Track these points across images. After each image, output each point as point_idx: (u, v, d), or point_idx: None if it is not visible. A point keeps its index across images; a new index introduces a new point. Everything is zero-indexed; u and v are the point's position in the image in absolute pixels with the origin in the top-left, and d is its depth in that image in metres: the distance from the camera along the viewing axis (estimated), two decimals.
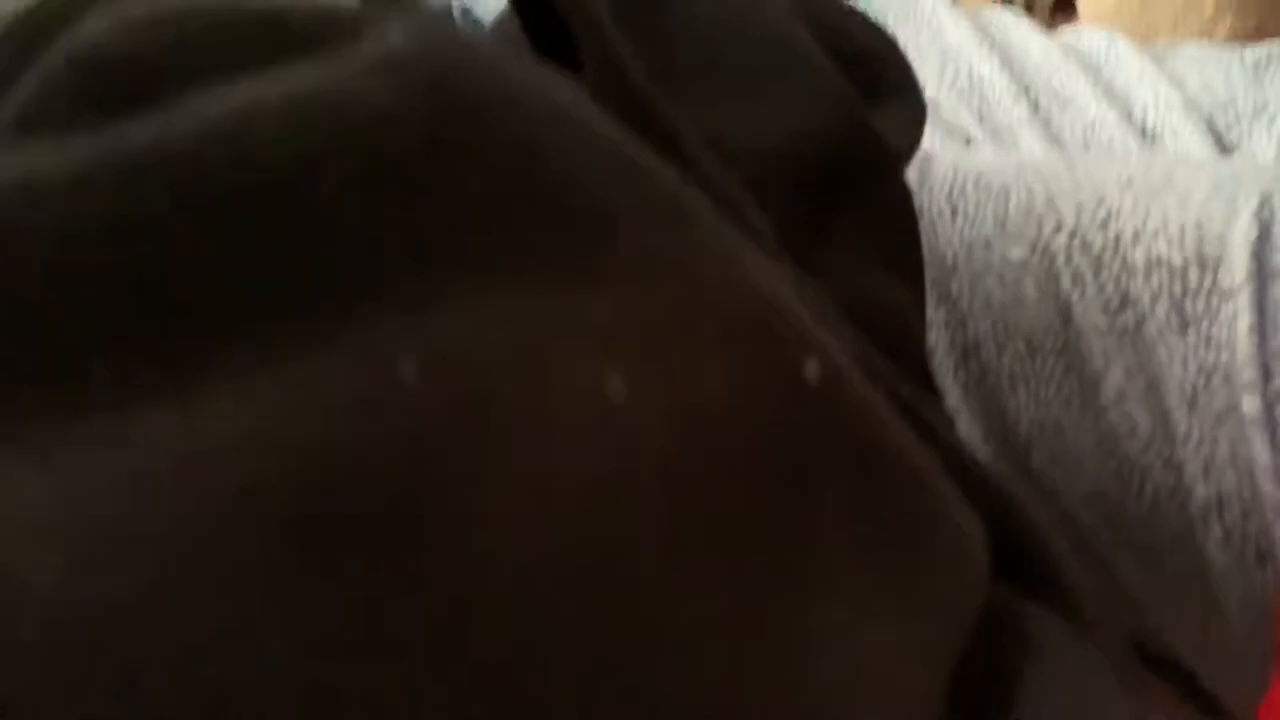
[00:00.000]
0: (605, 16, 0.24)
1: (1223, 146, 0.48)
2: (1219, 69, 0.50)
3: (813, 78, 0.31)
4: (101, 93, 0.14)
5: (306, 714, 0.12)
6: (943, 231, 0.44)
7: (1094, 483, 0.41)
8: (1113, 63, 0.52)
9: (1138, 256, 0.39)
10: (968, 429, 0.43)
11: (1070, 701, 0.21)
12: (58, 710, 0.11)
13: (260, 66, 0.15)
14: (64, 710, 0.11)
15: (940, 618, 0.19)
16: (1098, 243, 0.40)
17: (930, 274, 0.44)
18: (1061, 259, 0.41)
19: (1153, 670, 0.45)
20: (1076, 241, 0.40)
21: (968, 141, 0.54)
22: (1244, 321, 0.37)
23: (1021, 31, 0.56)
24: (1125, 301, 0.39)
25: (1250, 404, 0.36)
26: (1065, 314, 0.40)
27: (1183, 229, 0.38)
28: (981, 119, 0.54)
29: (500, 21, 0.34)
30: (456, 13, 0.55)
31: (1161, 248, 0.38)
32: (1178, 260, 0.38)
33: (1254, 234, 0.37)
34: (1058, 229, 0.41)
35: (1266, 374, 0.36)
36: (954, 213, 0.44)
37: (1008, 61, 0.54)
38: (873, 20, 0.39)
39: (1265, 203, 0.38)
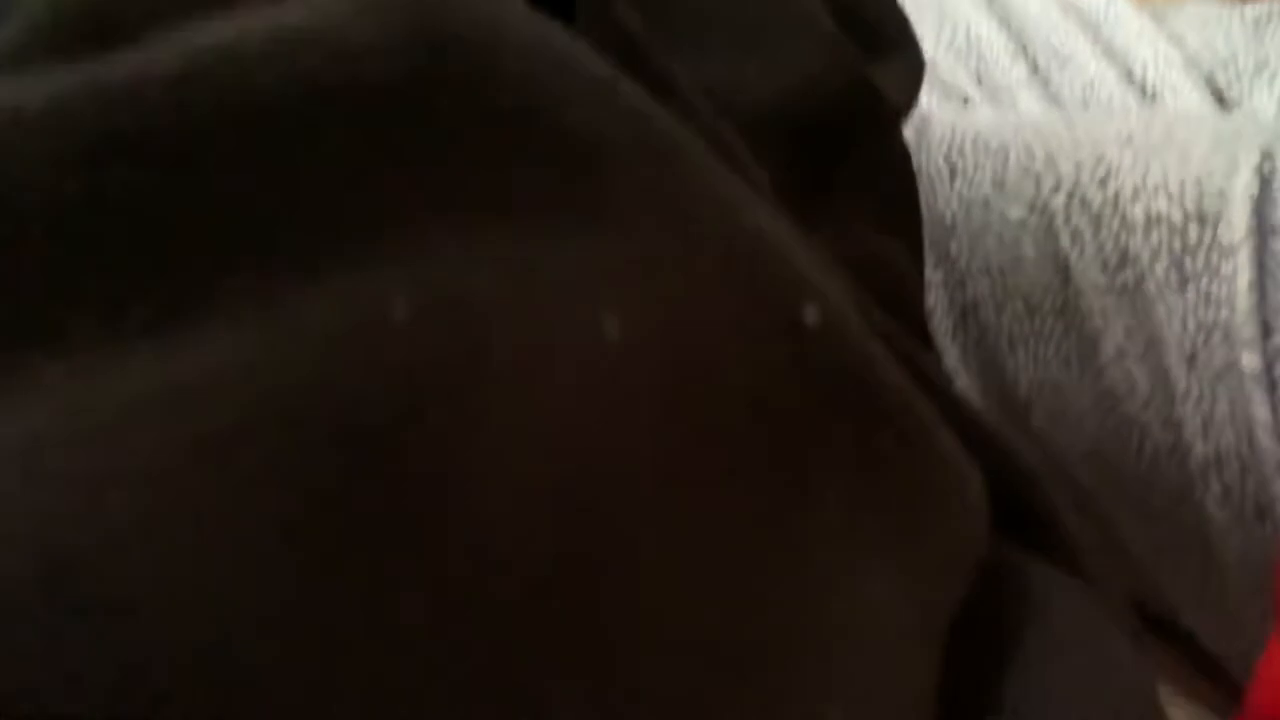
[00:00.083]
0: None
1: (1223, 104, 0.48)
2: (1219, 26, 0.49)
3: (811, 32, 0.31)
4: (81, 31, 0.14)
5: (300, 657, 0.11)
6: (941, 192, 0.44)
7: (1093, 441, 0.41)
8: (1112, 21, 0.51)
9: (1137, 213, 0.38)
10: (966, 389, 0.43)
11: (1075, 655, 0.21)
12: (43, 653, 0.11)
13: (244, 6, 0.14)
14: (50, 654, 0.11)
15: (940, 566, 0.19)
16: (1097, 200, 0.40)
17: (929, 235, 0.44)
18: (1060, 218, 0.40)
19: (1151, 629, 0.45)
20: (1075, 200, 0.40)
21: (965, 102, 0.54)
22: (1244, 277, 0.36)
23: None
24: (1124, 259, 0.39)
25: (1250, 360, 0.36)
26: (1064, 273, 0.40)
27: (1183, 185, 0.38)
28: (979, 79, 0.54)
29: None
30: None
31: (1161, 204, 0.38)
32: (1178, 217, 0.38)
33: (1254, 189, 0.37)
34: (1056, 187, 0.41)
35: (1266, 330, 0.36)
36: (952, 173, 0.44)
37: (1006, 20, 0.53)
38: None
39: (1266, 158, 0.38)
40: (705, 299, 0.16)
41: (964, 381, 0.43)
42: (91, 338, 0.12)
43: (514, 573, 0.13)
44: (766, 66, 0.29)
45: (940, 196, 0.44)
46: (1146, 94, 0.49)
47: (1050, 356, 0.41)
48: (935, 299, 0.44)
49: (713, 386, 0.15)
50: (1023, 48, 0.52)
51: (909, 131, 0.45)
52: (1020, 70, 0.53)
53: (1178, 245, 0.38)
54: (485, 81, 0.15)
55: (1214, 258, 0.37)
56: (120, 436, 0.12)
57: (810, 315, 0.16)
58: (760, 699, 0.15)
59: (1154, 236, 0.38)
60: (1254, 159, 0.38)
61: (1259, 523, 0.37)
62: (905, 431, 0.19)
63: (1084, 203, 0.40)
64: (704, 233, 0.16)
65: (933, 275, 0.44)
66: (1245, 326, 0.36)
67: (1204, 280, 0.37)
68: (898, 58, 0.36)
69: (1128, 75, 0.50)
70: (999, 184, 0.43)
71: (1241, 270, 0.36)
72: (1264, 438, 0.36)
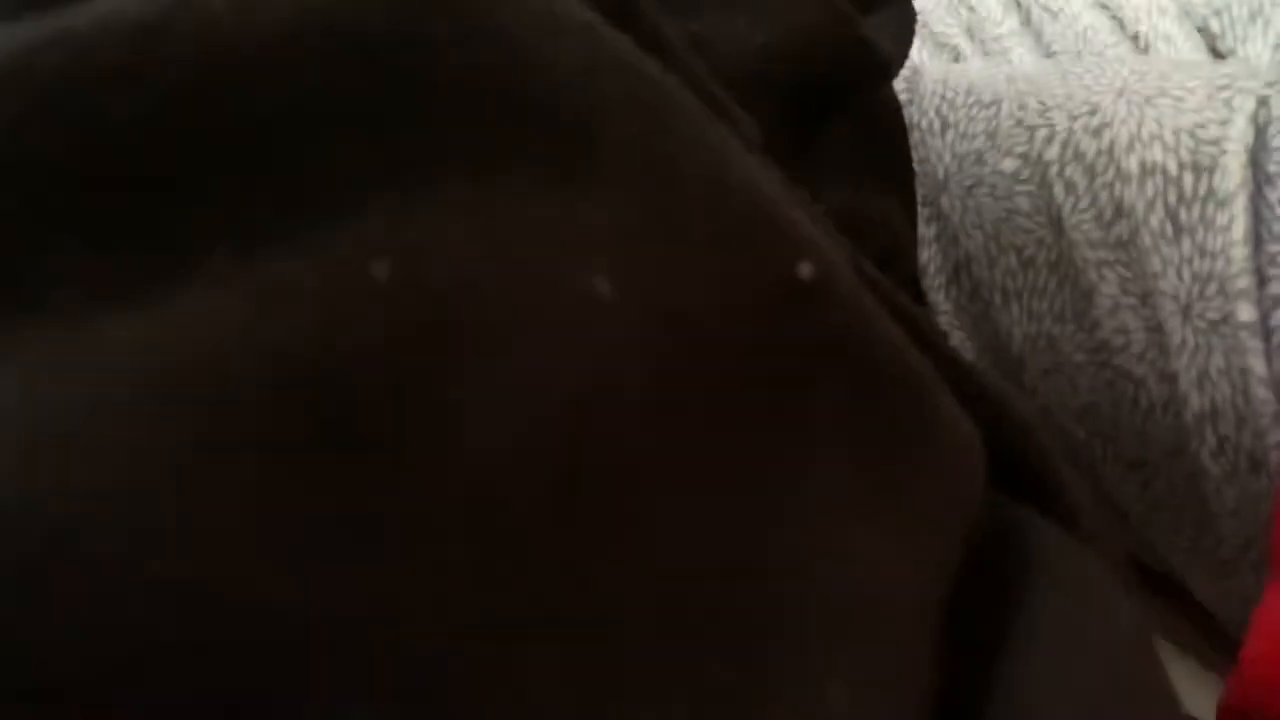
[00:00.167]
0: None
1: (1216, 52, 0.48)
2: None
3: None
4: None
5: (288, 619, 0.11)
6: (933, 146, 0.44)
7: (1088, 396, 0.40)
8: None
9: (1132, 164, 0.38)
10: (960, 345, 0.43)
11: (1073, 611, 0.20)
12: (33, 627, 0.11)
13: None
14: (42, 626, 0.11)
15: (938, 523, 0.19)
16: (1091, 151, 0.39)
17: (921, 190, 0.43)
18: (1054, 169, 0.40)
19: (1146, 583, 0.45)
20: (1069, 151, 0.40)
21: (957, 57, 0.53)
22: (1239, 228, 0.36)
23: None
24: (1119, 211, 0.38)
25: (1245, 311, 0.36)
26: (1058, 225, 0.40)
27: (1178, 135, 0.38)
28: (970, 32, 0.53)
29: None
30: None
31: (1156, 154, 0.38)
32: (1173, 167, 0.37)
33: (1249, 138, 0.37)
34: (1050, 139, 0.40)
35: (1261, 280, 0.36)
36: (944, 126, 0.44)
37: None
38: None
39: (1261, 105, 0.37)
40: (697, 259, 0.15)
41: (958, 338, 0.43)
42: (69, 302, 0.12)
43: (500, 543, 0.13)
44: (756, 19, 0.28)
45: (932, 150, 0.44)
46: (1140, 44, 0.49)
47: (1044, 310, 0.41)
48: (928, 255, 0.43)
49: (704, 344, 0.15)
50: (1015, 0, 0.52)
51: (900, 85, 0.44)
52: (1012, 22, 0.52)
53: (1173, 196, 0.37)
54: (468, 33, 0.14)
55: (1209, 208, 0.37)
56: (97, 402, 0.11)
57: (803, 271, 0.16)
58: (758, 663, 0.15)
59: (1149, 187, 0.38)
60: (1249, 107, 0.37)
61: (1254, 475, 0.37)
62: (900, 387, 0.19)
63: (1078, 154, 0.40)
64: (696, 191, 0.16)
65: (925, 230, 0.43)
66: (1240, 277, 0.36)
67: (1199, 231, 0.37)
68: (889, 11, 0.36)
69: (1120, 25, 0.49)
70: (991, 136, 0.42)
71: (1237, 220, 0.36)
72: (1259, 390, 0.36)
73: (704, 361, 0.15)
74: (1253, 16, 0.47)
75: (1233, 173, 0.36)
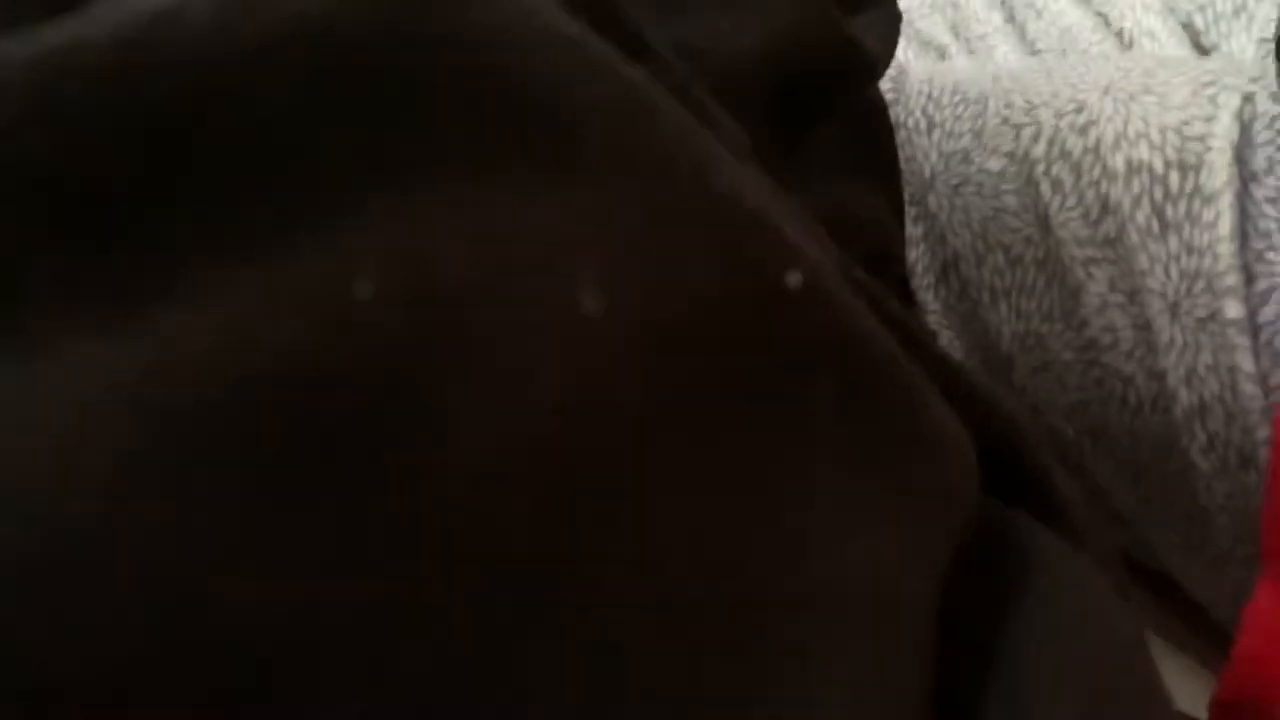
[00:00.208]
0: None
1: (1200, 48, 0.48)
2: None
3: None
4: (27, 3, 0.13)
5: (281, 631, 0.11)
6: (920, 145, 0.44)
7: (1077, 394, 0.41)
8: None
9: (1118, 162, 0.38)
10: (949, 345, 0.43)
11: (1065, 611, 0.20)
12: (33, 627, 0.11)
13: None
14: (42, 626, 0.11)
15: (930, 525, 0.19)
16: (1077, 149, 0.39)
17: (908, 189, 0.43)
18: (1041, 167, 0.40)
19: (1138, 580, 0.45)
20: (1055, 149, 0.40)
21: (943, 56, 0.53)
22: (1225, 225, 0.36)
23: None
24: (1105, 208, 0.38)
25: (1233, 308, 0.36)
26: (1045, 224, 0.40)
27: (1164, 132, 0.38)
28: (955, 30, 0.53)
29: None
30: None
31: (1142, 152, 0.38)
32: (1159, 164, 0.37)
33: (1234, 135, 0.37)
34: (1036, 137, 0.40)
35: (1249, 277, 0.36)
36: (930, 125, 0.44)
37: None
38: None
39: (1246, 102, 0.37)
40: (685, 265, 0.15)
41: (946, 338, 0.43)
42: (49, 318, 0.12)
43: (499, 545, 0.13)
44: (743, 21, 0.28)
45: (919, 149, 0.44)
46: (1124, 40, 0.49)
47: (1032, 309, 0.41)
48: (916, 255, 0.43)
49: (691, 350, 0.15)
50: None
51: (886, 85, 0.45)
52: (996, 19, 0.52)
53: (1159, 193, 0.37)
54: (452, 38, 0.14)
55: (1195, 205, 0.37)
56: (82, 418, 0.11)
57: (790, 278, 0.16)
58: (756, 663, 0.15)
59: (1135, 185, 0.38)
60: (1234, 104, 0.37)
61: (1244, 470, 0.37)
62: (890, 390, 0.18)
63: (1064, 152, 0.40)
64: (682, 197, 0.16)
65: (913, 230, 0.43)
66: (1227, 274, 0.36)
67: (1186, 228, 0.37)
68: (875, 11, 0.36)
69: (1104, 22, 0.49)
70: (977, 135, 0.42)
71: (1223, 217, 0.36)
72: (1247, 385, 0.36)
73: (692, 366, 0.15)
74: (1236, 12, 0.47)
75: (1218, 169, 0.36)
